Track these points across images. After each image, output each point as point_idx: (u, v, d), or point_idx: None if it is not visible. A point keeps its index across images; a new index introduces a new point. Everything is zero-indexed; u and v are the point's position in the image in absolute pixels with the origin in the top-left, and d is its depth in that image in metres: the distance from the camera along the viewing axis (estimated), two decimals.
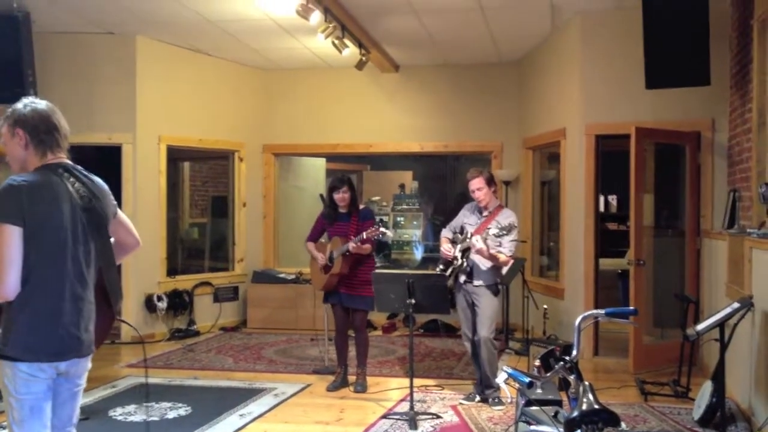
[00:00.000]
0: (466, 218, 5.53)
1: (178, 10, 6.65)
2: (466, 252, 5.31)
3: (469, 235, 5.28)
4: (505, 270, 5.51)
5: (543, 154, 8.45)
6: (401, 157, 10.92)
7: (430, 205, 11.35)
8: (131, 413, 5.15)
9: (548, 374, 2.96)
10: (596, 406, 2.73)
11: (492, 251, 5.16)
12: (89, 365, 2.83)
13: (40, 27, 6.97)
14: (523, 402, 3.36)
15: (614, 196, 9.97)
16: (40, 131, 2.70)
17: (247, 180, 9.01)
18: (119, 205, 2.98)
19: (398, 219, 10.82)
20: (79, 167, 2.80)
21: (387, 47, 7.96)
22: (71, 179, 2.73)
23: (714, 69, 5.64)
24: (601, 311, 3.20)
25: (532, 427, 3.17)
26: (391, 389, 5.85)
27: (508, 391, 4.92)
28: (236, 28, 7.25)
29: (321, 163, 10.27)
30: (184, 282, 8.26)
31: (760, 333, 4.60)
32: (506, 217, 5.33)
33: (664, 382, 5.72)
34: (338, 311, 5.85)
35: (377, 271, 5.67)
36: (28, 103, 2.74)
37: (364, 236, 5.54)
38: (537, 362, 3.07)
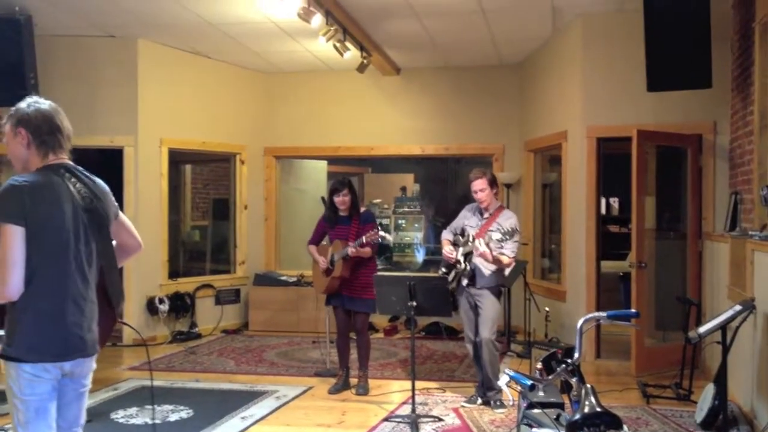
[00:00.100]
0: (467, 219, 5.50)
1: (180, 13, 6.66)
2: (468, 255, 5.29)
3: (471, 238, 5.27)
4: (507, 272, 5.50)
5: (544, 157, 8.44)
6: (402, 159, 10.92)
7: (432, 208, 11.34)
8: (133, 416, 5.15)
9: (550, 377, 2.96)
10: (598, 409, 2.72)
11: (494, 253, 5.16)
12: (94, 366, 2.82)
13: (42, 30, 6.98)
14: (524, 405, 3.35)
15: (616, 199, 9.97)
16: (43, 132, 2.69)
17: (249, 183, 9.01)
18: (121, 208, 2.98)
19: (399, 222, 10.81)
20: (80, 168, 2.80)
21: (388, 50, 7.97)
22: (73, 180, 2.72)
23: (715, 71, 5.64)
24: (603, 314, 3.19)
25: (534, 430, 3.16)
26: (393, 392, 5.85)
27: (509, 394, 4.91)
28: (238, 31, 7.25)
29: (322, 165, 10.27)
30: (186, 284, 8.26)
31: (762, 335, 4.59)
32: (507, 218, 5.31)
33: (666, 385, 5.71)
34: (340, 314, 5.85)
35: (379, 273, 5.68)
36: (32, 103, 2.73)
37: (364, 240, 5.54)
38: (539, 365, 3.06)
